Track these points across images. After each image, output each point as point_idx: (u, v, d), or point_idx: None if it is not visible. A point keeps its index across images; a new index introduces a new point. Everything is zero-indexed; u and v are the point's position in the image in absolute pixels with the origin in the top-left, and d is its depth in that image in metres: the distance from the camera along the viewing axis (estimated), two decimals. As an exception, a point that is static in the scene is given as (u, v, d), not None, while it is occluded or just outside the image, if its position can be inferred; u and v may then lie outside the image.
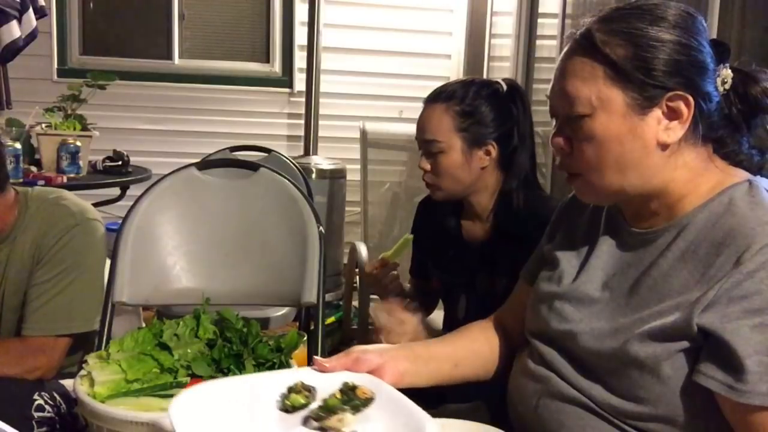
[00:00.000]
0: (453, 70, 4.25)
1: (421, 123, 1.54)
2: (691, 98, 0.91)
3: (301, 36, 4.10)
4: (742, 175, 0.95)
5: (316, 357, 1.01)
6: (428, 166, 1.52)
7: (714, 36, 2.52)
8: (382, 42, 4.19)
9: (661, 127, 0.92)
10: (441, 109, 1.50)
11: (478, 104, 1.49)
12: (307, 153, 3.96)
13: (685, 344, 0.87)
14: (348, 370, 0.97)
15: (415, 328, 1.42)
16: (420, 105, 1.58)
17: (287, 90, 4.22)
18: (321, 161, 3.81)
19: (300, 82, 4.14)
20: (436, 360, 1.10)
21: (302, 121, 4.04)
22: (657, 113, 0.92)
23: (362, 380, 0.94)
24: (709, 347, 0.86)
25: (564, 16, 3.73)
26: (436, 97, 1.52)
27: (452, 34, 4.26)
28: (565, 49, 0.97)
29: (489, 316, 1.24)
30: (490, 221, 1.56)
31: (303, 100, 4.03)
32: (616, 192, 0.97)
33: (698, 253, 0.89)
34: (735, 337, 0.82)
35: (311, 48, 3.90)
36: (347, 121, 3.94)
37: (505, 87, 1.53)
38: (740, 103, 0.96)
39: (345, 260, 3.57)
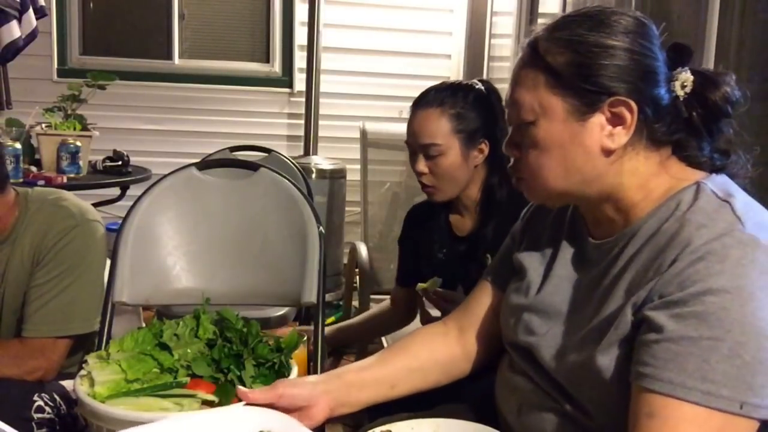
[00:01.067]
0: (453, 70, 4.25)
1: (417, 128, 1.59)
2: (633, 104, 0.89)
3: (301, 36, 4.10)
4: (694, 177, 0.92)
5: (239, 387, 1.03)
6: (426, 169, 1.58)
7: (714, 36, 2.52)
8: (382, 42, 4.18)
9: (604, 132, 0.91)
10: (437, 113, 1.56)
11: (469, 107, 1.57)
12: (307, 153, 3.96)
13: (627, 350, 0.86)
14: (271, 404, 0.99)
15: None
16: None
17: (287, 90, 4.21)
18: (321, 161, 3.81)
19: (300, 82, 4.14)
20: (369, 386, 1.11)
21: (302, 121, 4.04)
22: (599, 119, 0.91)
23: (280, 426, 0.94)
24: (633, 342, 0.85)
25: (564, 16, 3.72)
26: (429, 103, 1.58)
27: (452, 34, 4.26)
28: (517, 59, 0.98)
29: (442, 319, 1.23)
30: (477, 212, 1.63)
31: (303, 100, 4.02)
32: (561, 194, 0.97)
33: (641, 258, 0.89)
34: (650, 324, 0.82)
35: (311, 48, 3.90)
36: (347, 121, 3.94)
37: (484, 88, 1.61)
38: (700, 107, 0.94)
39: (345, 260, 3.57)
